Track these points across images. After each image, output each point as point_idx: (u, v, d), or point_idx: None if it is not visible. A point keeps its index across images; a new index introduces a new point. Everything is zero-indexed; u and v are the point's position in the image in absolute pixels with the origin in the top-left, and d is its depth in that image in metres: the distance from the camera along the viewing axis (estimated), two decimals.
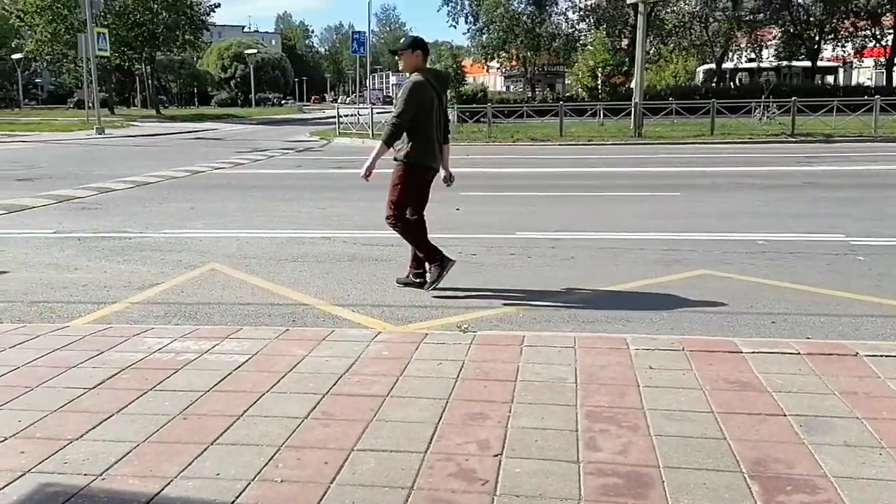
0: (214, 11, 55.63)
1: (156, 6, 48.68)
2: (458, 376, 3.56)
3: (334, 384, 3.47)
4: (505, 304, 5.34)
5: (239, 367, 3.72)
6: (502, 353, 3.88)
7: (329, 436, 2.91)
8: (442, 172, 5.79)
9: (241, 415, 3.12)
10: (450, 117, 5.98)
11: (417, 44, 5.53)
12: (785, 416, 3.06)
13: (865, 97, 29.11)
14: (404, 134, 5.37)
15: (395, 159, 5.51)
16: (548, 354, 3.85)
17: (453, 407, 3.19)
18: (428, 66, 5.66)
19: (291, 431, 2.95)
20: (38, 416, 3.11)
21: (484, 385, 3.44)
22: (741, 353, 3.83)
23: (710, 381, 3.44)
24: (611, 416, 3.07)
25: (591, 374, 3.56)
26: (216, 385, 3.47)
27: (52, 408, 3.19)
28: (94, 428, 2.99)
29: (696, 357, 3.77)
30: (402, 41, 5.71)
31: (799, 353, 3.81)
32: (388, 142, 5.38)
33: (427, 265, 5.66)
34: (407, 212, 5.52)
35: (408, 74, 5.56)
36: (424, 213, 5.64)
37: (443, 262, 5.57)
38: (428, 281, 5.68)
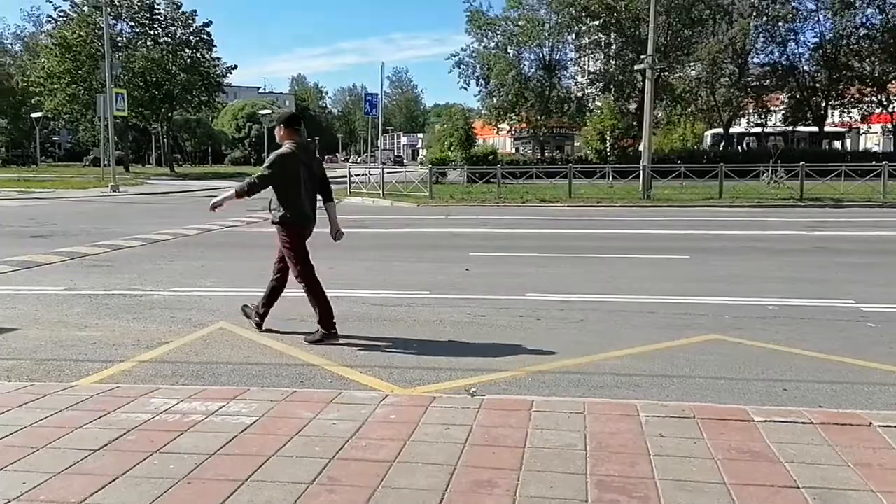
0: (231, 73, 56.88)
1: (174, 68, 49.84)
2: (466, 441, 3.52)
3: (341, 448, 3.44)
4: (514, 367, 5.31)
5: (245, 429, 3.70)
6: (511, 419, 3.84)
7: (334, 502, 2.87)
8: (330, 229, 6.49)
9: (246, 479, 3.08)
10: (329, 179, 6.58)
11: (285, 120, 6.20)
12: (798, 488, 3.00)
13: (873, 162, 29.29)
14: (276, 200, 5.98)
15: (273, 222, 6.08)
16: (557, 420, 3.81)
17: (461, 474, 3.14)
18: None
19: (296, 498, 2.91)
20: (43, 478, 3.09)
21: (492, 451, 3.40)
22: (753, 421, 3.78)
23: (722, 451, 3.39)
24: (621, 485, 3.02)
25: (601, 441, 3.51)
26: (222, 448, 3.44)
27: (57, 470, 3.17)
28: (98, 491, 2.96)
29: (708, 425, 3.72)
30: (278, 117, 6.49)
31: (812, 423, 3.75)
32: (240, 193, 6.01)
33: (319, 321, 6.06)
34: (305, 265, 6.13)
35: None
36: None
37: (329, 333, 5.99)
38: (311, 336, 6.05)
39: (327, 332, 6.01)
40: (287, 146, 6.01)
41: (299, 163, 5.98)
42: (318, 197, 6.30)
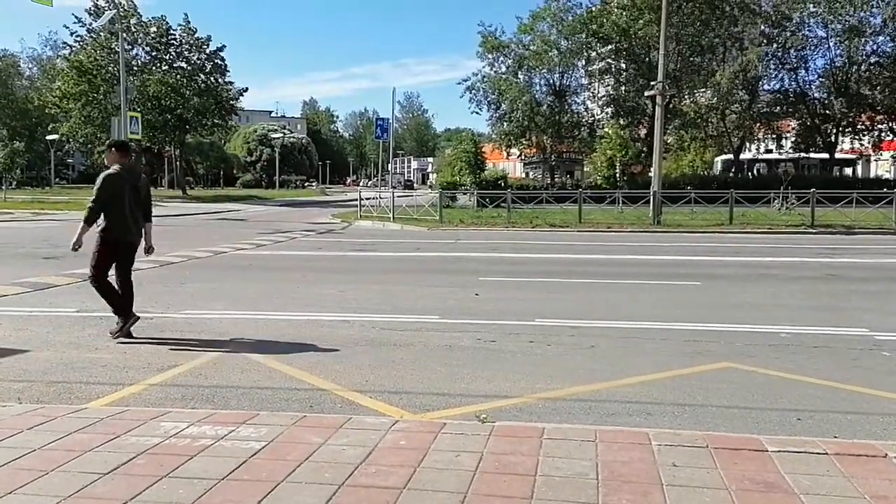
0: (242, 95, 57.30)
1: (188, 92, 50.32)
2: (476, 469, 3.49)
3: (350, 474, 3.41)
4: (524, 394, 5.28)
5: (255, 454, 3.68)
6: (522, 446, 3.81)
7: None
8: (143, 244, 7.33)
9: None
10: (152, 201, 7.64)
11: (113, 145, 7.22)
12: None
13: (885, 190, 29.19)
14: (103, 213, 6.88)
15: (97, 233, 6.96)
16: (568, 448, 3.77)
17: (471, 502, 3.11)
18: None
19: None
20: (52, 501, 3.07)
21: (503, 479, 3.37)
22: (767, 451, 3.73)
23: (735, 481, 3.35)
24: None
25: (613, 470, 3.47)
26: (231, 473, 3.42)
27: (67, 493, 3.16)
28: None
29: (721, 455, 3.68)
30: (108, 142, 7.60)
31: (826, 454, 3.71)
32: (87, 221, 6.88)
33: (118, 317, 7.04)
34: (101, 273, 6.96)
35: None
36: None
37: (127, 318, 6.96)
38: (115, 330, 6.97)
39: (126, 317, 6.96)
40: (114, 168, 6.93)
41: (124, 182, 6.92)
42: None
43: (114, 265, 7.10)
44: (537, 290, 10.69)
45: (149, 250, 7.44)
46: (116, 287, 7.08)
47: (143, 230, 7.28)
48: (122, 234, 6.97)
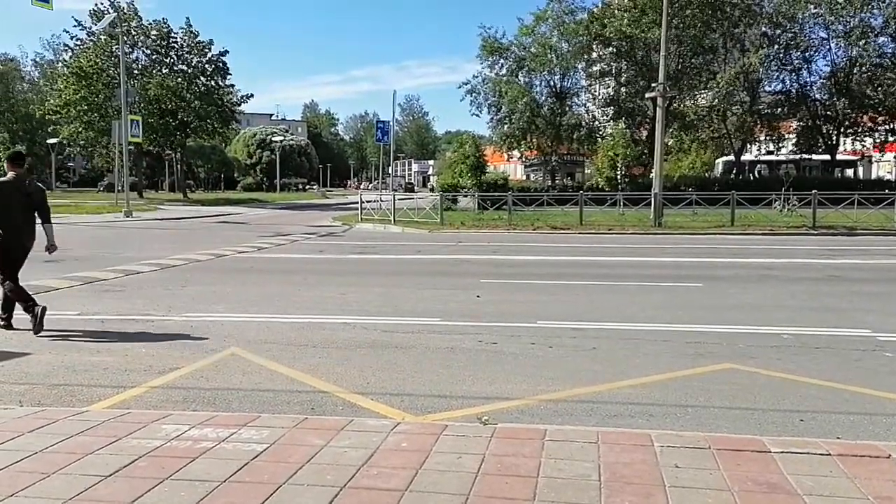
0: (247, 101, 57.28)
1: (189, 96, 50.30)
2: (478, 471, 3.48)
3: (352, 477, 3.41)
4: (526, 396, 5.27)
5: (256, 456, 3.67)
6: (524, 448, 3.80)
7: None
8: (45, 243, 7.87)
9: None
10: (49, 205, 8.06)
11: (9, 157, 7.74)
12: None
13: (886, 191, 29.19)
14: None
15: None
16: (570, 450, 3.77)
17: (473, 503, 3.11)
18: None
19: None
20: None
21: (505, 481, 3.36)
22: (770, 452, 3.73)
23: (738, 482, 3.34)
24: None
25: (615, 471, 3.47)
26: (233, 475, 3.42)
27: (68, 496, 3.15)
28: None
29: (724, 456, 3.67)
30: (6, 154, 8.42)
31: (829, 454, 3.70)
32: None
33: (25, 314, 7.43)
34: (8, 275, 7.52)
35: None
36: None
37: (34, 312, 7.32)
38: (34, 328, 7.30)
39: (34, 312, 7.32)
40: (8, 177, 7.54)
41: (13, 190, 7.48)
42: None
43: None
44: (538, 292, 10.67)
45: (50, 249, 7.94)
46: (6, 291, 7.57)
47: (35, 234, 7.81)
48: (13, 237, 7.50)
